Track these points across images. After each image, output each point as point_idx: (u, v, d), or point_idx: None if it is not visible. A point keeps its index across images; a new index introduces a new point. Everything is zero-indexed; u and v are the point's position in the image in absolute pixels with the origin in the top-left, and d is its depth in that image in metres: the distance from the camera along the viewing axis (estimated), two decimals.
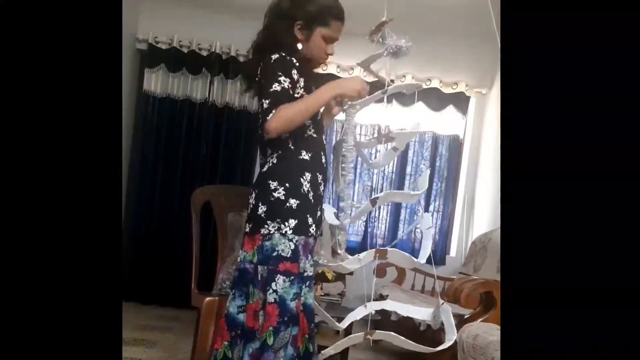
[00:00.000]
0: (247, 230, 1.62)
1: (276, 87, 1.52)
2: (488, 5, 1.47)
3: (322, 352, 1.61)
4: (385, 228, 4.27)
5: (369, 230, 4.20)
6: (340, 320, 1.66)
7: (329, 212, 1.73)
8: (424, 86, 4.06)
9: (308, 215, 1.60)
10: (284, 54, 1.57)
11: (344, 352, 2.74)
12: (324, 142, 1.73)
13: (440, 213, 4.24)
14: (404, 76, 4.04)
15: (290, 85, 1.54)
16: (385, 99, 1.67)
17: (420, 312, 1.62)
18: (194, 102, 3.89)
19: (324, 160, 1.70)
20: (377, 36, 1.63)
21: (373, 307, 1.68)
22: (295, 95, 1.58)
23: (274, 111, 1.49)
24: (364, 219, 4.20)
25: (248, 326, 1.54)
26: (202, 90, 3.90)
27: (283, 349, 1.51)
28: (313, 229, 1.61)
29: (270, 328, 1.49)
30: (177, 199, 3.83)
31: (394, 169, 4.20)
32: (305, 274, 1.58)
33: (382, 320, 2.81)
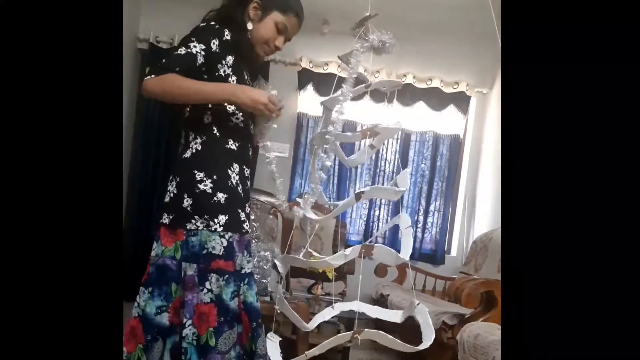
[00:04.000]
0: (166, 222, 1.46)
1: (181, 51, 1.40)
2: (489, 5, 1.47)
3: (306, 352, 1.60)
4: None
5: (369, 229, 4.20)
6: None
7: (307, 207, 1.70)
8: (427, 85, 4.06)
9: (239, 211, 1.48)
10: (213, 23, 1.47)
11: (345, 352, 2.75)
12: (251, 133, 1.60)
13: (441, 213, 4.23)
14: (405, 75, 4.04)
15: (203, 53, 1.42)
16: (366, 94, 1.63)
17: (390, 314, 1.63)
18: None
19: (250, 153, 1.59)
20: (359, 30, 1.61)
21: (341, 307, 1.68)
22: (215, 66, 1.46)
23: (162, 75, 1.36)
24: (364, 219, 4.20)
25: (170, 323, 1.42)
26: None
27: (232, 349, 1.42)
28: (246, 225, 1.50)
29: (211, 329, 1.39)
30: None
31: (394, 168, 4.20)
32: (243, 271, 1.49)
33: (383, 320, 2.80)
